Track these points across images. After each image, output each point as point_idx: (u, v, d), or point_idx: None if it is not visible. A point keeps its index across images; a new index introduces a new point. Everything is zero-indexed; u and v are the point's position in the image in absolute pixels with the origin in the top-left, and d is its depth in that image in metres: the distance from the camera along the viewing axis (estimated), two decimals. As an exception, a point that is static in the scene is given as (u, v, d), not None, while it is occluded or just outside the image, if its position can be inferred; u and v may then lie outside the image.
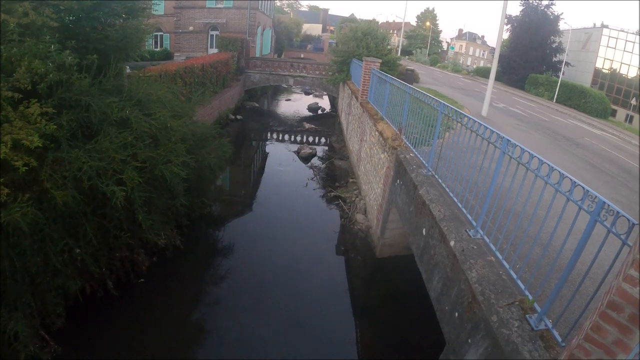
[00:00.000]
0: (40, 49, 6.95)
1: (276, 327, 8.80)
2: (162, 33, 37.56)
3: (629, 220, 3.02)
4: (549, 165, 4.03)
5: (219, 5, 36.29)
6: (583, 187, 3.46)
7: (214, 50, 33.53)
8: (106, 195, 7.12)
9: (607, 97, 42.97)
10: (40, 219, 6.36)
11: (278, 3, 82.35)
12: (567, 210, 3.69)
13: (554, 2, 49.04)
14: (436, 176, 7.55)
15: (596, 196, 3.33)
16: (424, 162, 8.26)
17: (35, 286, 6.73)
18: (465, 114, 6.36)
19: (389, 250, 11.15)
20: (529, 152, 4.38)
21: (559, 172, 3.85)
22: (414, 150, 9.02)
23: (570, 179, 3.68)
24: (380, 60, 16.58)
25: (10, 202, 5.98)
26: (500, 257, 4.90)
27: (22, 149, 6.12)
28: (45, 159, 6.68)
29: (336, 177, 18.16)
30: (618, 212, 3.11)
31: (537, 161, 4.20)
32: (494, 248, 5.08)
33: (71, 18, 8.79)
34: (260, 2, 37.44)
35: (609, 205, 3.21)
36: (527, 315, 4.06)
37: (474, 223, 5.71)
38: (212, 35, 36.77)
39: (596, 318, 2.80)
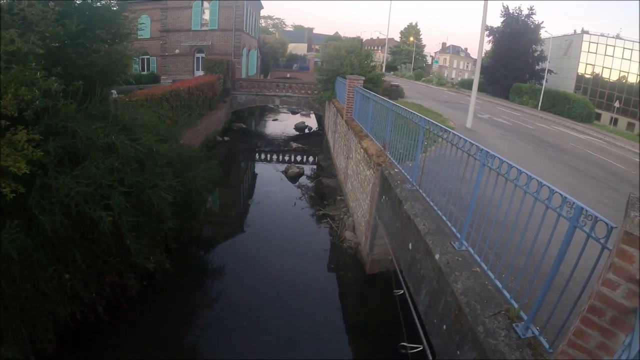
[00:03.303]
0: (26, 76, 6.99)
1: (270, 347, 8.75)
2: (148, 56, 37.71)
3: (607, 224, 2.98)
4: (527, 174, 4.02)
5: (204, 28, 36.48)
6: (560, 194, 3.47)
7: (200, 73, 33.63)
8: (94, 221, 7.13)
9: (591, 102, 43.57)
10: (29, 245, 6.35)
11: (263, 24, 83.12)
12: (548, 217, 3.66)
13: (534, 11, 49.91)
14: (420, 190, 7.53)
15: (574, 202, 3.32)
16: (408, 177, 8.28)
17: (26, 312, 6.66)
18: (445, 127, 6.43)
19: (378, 266, 11.18)
20: (507, 163, 4.43)
21: (537, 180, 3.87)
22: (398, 165, 9.06)
23: (548, 187, 3.66)
24: (363, 78, 16.68)
25: (-2, 228, 5.97)
26: (485, 267, 4.90)
27: (9, 175, 6.14)
28: (33, 185, 6.69)
29: (324, 195, 18.19)
30: (596, 217, 3.10)
31: (515, 171, 4.22)
32: (478, 259, 5.09)
33: (57, 45, 8.85)
34: (244, 23, 37.68)
35: (587, 210, 3.21)
36: (513, 324, 4.03)
37: (458, 235, 5.72)
38: (198, 58, 36.86)
39: (578, 323, 2.82)
